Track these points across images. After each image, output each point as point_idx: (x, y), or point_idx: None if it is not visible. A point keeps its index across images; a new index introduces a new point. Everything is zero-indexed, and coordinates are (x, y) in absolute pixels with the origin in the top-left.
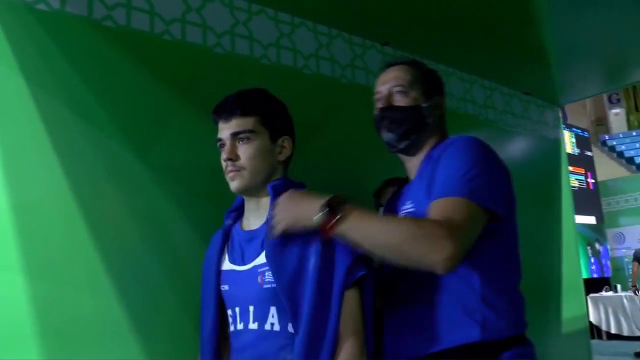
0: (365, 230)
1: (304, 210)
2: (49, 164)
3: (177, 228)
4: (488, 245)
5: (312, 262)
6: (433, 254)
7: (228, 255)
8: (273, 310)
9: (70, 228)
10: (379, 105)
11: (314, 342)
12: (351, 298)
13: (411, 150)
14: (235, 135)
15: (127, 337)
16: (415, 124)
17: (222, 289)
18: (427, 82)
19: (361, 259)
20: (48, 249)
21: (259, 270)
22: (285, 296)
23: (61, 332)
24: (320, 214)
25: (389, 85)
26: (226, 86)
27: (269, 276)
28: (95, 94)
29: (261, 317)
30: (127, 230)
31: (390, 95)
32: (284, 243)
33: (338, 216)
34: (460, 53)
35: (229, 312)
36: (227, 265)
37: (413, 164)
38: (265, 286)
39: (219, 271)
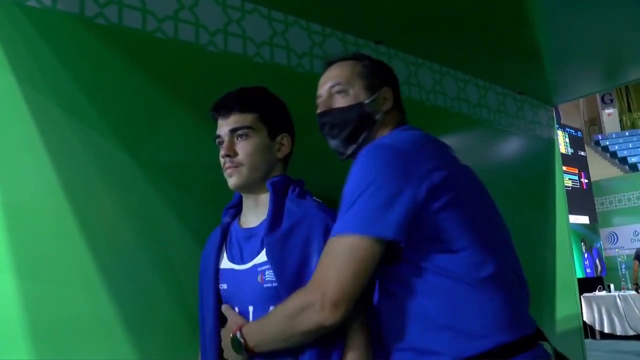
0: (262, 338)
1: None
2: (40, 163)
3: (169, 226)
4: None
5: (315, 259)
6: (313, 320)
7: (227, 253)
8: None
9: (61, 227)
10: (317, 110)
11: (320, 341)
12: None
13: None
14: (233, 132)
15: (119, 336)
16: (358, 124)
17: (221, 287)
18: (369, 74)
19: None
20: (39, 247)
21: (259, 269)
22: (288, 294)
23: (52, 332)
24: (232, 344)
25: (328, 86)
26: (219, 85)
27: (269, 275)
28: (86, 92)
29: (260, 317)
30: (119, 229)
31: (330, 97)
32: (285, 240)
33: (239, 339)
34: (454, 52)
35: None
36: (225, 263)
37: None
38: (265, 285)
39: (217, 269)
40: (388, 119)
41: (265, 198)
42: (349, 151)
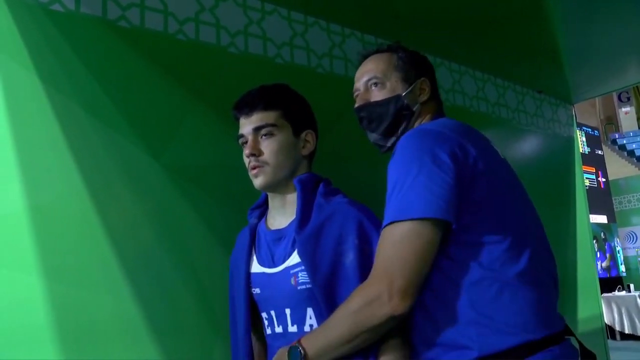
0: (324, 345)
1: None
2: (65, 165)
3: (191, 228)
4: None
5: (350, 258)
6: (381, 314)
7: (256, 256)
8: (310, 312)
9: (86, 229)
10: (355, 105)
11: None
12: None
13: None
14: (257, 130)
15: (143, 337)
16: (397, 117)
17: (253, 292)
18: (405, 66)
19: None
20: (64, 250)
21: (292, 271)
22: (323, 295)
23: (78, 334)
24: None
25: (364, 80)
26: (240, 86)
27: (302, 277)
28: (109, 94)
29: (299, 320)
30: (142, 231)
31: (366, 90)
32: (316, 237)
33: (300, 350)
34: (473, 51)
35: (264, 315)
36: (256, 267)
37: None
38: (299, 287)
39: (248, 274)
40: (425, 109)
41: (292, 197)
42: (389, 143)
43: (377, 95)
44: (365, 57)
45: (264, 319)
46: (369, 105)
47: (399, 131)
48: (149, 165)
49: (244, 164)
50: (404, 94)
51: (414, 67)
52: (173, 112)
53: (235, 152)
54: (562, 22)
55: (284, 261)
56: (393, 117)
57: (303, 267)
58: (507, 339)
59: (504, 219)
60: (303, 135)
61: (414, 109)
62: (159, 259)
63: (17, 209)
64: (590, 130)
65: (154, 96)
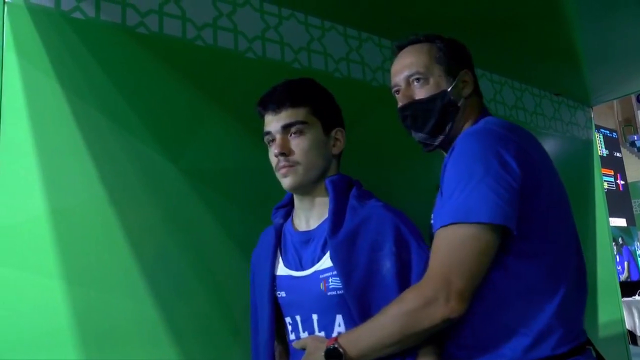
0: (368, 344)
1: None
2: (85, 170)
3: (210, 232)
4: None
5: (387, 266)
6: (438, 317)
7: (282, 258)
8: (339, 318)
9: (106, 233)
10: (399, 104)
11: None
12: None
13: (448, 144)
14: (286, 128)
15: (162, 340)
16: (444, 114)
17: (278, 295)
18: (446, 57)
19: None
20: (86, 254)
21: (321, 276)
22: (356, 303)
23: (99, 337)
24: (325, 356)
25: (405, 74)
26: (258, 91)
27: (333, 282)
28: (128, 100)
29: (327, 326)
30: (161, 235)
31: (408, 87)
32: (351, 242)
33: (337, 349)
34: (489, 54)
35: (288, 319)
36: (282, 269)
37: None
38: (329, 293)
39: (273, 276)
40: (470, 104)
41: (322, 200)
42: (437, 142)
43: (421, 91)
44: (401, 48)
45: (288, 324)
46: (414, 104)
47: (447, 129)
48: (167, 170)
49: (263, 166)
50: (449, 90)
51: (455, 59)
52: (191, 117)
53: (253, 156)
54: (579, 24)
55: (312, 265)
56: (439, 114)
57: (334, 272)
58: (538, 349)
59: (557, 232)
60: (333, 133)
61: (459, 104)
62: (177, 262)
63: (39, 214)
64: (608, 132)
65: (172, 101)
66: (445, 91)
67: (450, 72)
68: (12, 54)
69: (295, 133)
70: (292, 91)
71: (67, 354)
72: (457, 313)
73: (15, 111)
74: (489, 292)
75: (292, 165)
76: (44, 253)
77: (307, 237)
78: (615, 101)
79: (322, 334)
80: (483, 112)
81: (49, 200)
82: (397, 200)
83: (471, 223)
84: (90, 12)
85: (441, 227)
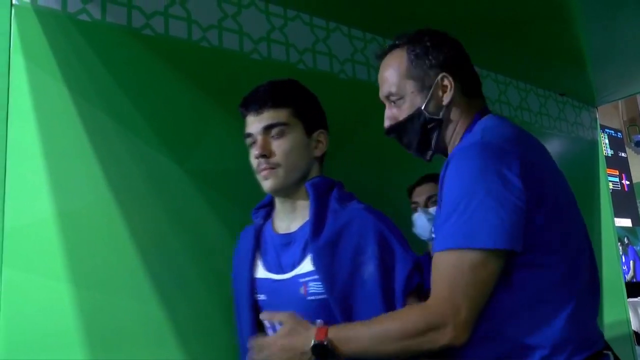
0: (360, 348)
1: (293, 350)
2: (91, 172)
3: (215, 234)
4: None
5: (370, 270)
6: (439, 343)
7: (262, 260)
8: (319, 323)
9: (113, 235)
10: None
11: None
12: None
13: (443, 152)
14: (267, 129)
15: (168, 342)
16: (424, 132)
17: (258, 298)
18: (419, 68)
19: (418, 266)
20: (92, 256)
21: (301, 280)
22: (339, 307)
23: (105, 339)
24: (312, 350)
25: (383, 94)
26: None
27: (314, 287)
28: (134, 101)
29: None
30: (167, 236)
31: (389, 106)
32: (333, 246)
33: (327, 345)
34: (493, 55)
35: (267, 323)
36: (261, 272)
37: None
38: (309, 298)
39: (252, 278)
40: (456, 109)
41: (303, 203)
42: (428, 157)
43: (400, 111)
44: (380, 57)
45: (267, 328)
46: (394, 126)
47: (432, 144)
48: (173, 172)
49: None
50: (423, 107)
51: (430, 64)
52: (196, 118)
53: (250, 150)
54: (584, 24)
55: (293, 268)
56: (420, 134)
57: (314, 277)
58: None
59: (565, 240)
60: (315, 134)
61: (440, 116)
62: (183, 264)
63: (46, 216)
64: (613, 132)
65: (178, 103)
66: (419, 109)
67: (424, 84)
68: (19, 56)
69: (276, 134)
70: (274, 92)
71: (73, 355)
72: (461, 342)
73: (22, 113)
74: (495, 310)
75: (273, 167)
76: (51, 255)
77: (288, 239)
78: (620, 101)
79: None
80: (480, 112)
81: (55, 203)
82: (401, 201)
83: (476, 249)
84: (97, 14)
85: (444, 250)
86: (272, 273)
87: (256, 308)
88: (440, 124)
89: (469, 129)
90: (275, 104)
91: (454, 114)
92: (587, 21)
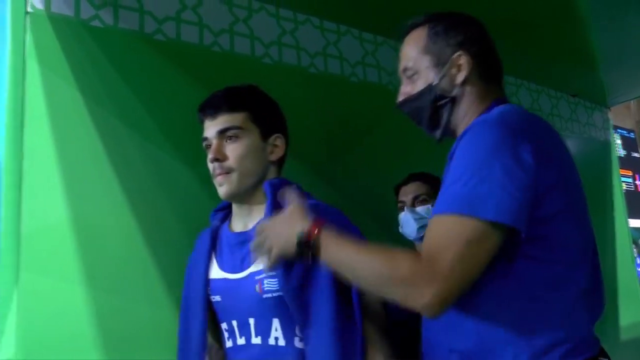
0: (339, 262)
1: (286, 236)
2: (105, 176)
3: None
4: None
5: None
6: (411, 301)
7: (217, 261)
8: (276, 322)
9: (125, 239)
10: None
11: (341, 348)
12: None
13: (453, 134)
14: (222, 133)
15: None
16: (434, 109)
17: (213, 299)
18: (437, 44)
19: None
20: (105, 260)
21: (257, 277)
22: (294, 303)
23: (119, 342)
24: (297, 242)
25: (400, 69)
26: (275, 96)
27: (269, 284)
28: (146, 106)
29: (264, 331)
30: (179, 240)
31: (405, 82)
32: None
33: (312, 243)
34: (505, 57)
35: (224, 325)
36: (217, 272)
37: None
38: (264, 296)
39: (207, 280)
40: (471, 90)
41: (259, 207)
42: (437, 136)
43: (412, 87)
44: (402, 36)
45: (224, 330)
46: (405, 101)
47: (443, 122)
48: (184, 175)
49: None
50: (435, 83)
51: (448, 41)
52: None
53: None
54: (595, 24)
55: (248, 266)
56: (431, 110)
57: (270, 274)
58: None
59: (569, 236)
60: (271, 139)
61: (453, 94)
62: None
63: (61, 220)
64: (625, 132)
65: (189, 107)
66: (431, 85)
67: (440, 61)
68: (34, 62)
69: (230, 138)
70: (230, 97)
71: (87, 357)
72: (432, 315)
73: (37, 118)
74: (487, 298)
75: (227, 172)
76: (65, 258)
77: (243, 238)
78: (632, 101)
79: (259, 338)
80: (498, 100)
81: (70, 206)
82: None
83: (478, 218)
84: (109, 20)
85: (446, 213)
86: (228, 272)
87: (209, 310)
88: (452, 103)
89: (484, 114)
90: (230, 109)
91: (468, 96)
92: (598, 22)
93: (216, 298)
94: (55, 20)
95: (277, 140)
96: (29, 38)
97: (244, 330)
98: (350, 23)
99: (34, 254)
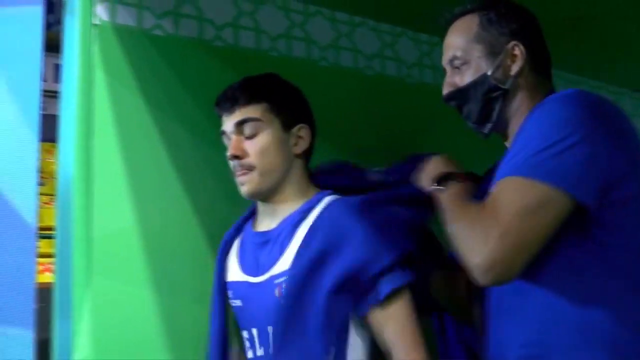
0: (447, 205)
1: (427, 177)
2: (168, 181)
3: None
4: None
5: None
6: (467, 259)
7: (239, 262)
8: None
9: (190, 242)
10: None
11: None
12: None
13: (503, 130)
14: (239, 126)
15: None
16: (487, 101)
17: (234, 304)
18: (490, 33)
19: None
20: (171, 263)
21: (276, 281)
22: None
23: (186, 343)
24: (433, 185)
25: (446, 59)
26: (332, 99)
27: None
28: (205, 112)
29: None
30: None
31: (451, 72)
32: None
33: (435, 188)
34: (563, 53)
35: (244, 333)
36: (238, 275)
37: (510, 143)
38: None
39: (223, 282)
40: (526, 83)
41: (285, 206)
42: (487, 130)
43: (462, 78)
44: (448, 23)
45: (245, 339)
46: (453, 94)
47: (494, 116)
48: None
49: None
50: (489, 73)
51: (502, 30)
52: None
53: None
54: None
55: (268, 269)
56: (482, 102)
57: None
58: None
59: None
60: (295, 130)
61: (506, 86)
62: None
63: (128, 225)
64: None
65: None
66: (485, 75)
67: (493, 50)
68: (100, 73)
69: (249, 133)
70: (248, 87)
71: (156, 356)
72: (487, 279)
73: (105, 127)
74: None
75: (248, 169)
76: (134, 263)
77: (266, 238)
78: None
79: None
80: (550, 93)
81: (136, 212)
82: None
83: (546, 183)
84: (170, 29)
85: (511, 175)
86: (248, 275)
87: (228, 316)
88: (505, 96)
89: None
90: (249, 100)
91: (521, 89)
92: None
93: (237, 303)
94: (120, 31)
95: (302, 131)
96: (96, 49)
97: (263, 339)
98: (406, 25)
99: (105, 258)
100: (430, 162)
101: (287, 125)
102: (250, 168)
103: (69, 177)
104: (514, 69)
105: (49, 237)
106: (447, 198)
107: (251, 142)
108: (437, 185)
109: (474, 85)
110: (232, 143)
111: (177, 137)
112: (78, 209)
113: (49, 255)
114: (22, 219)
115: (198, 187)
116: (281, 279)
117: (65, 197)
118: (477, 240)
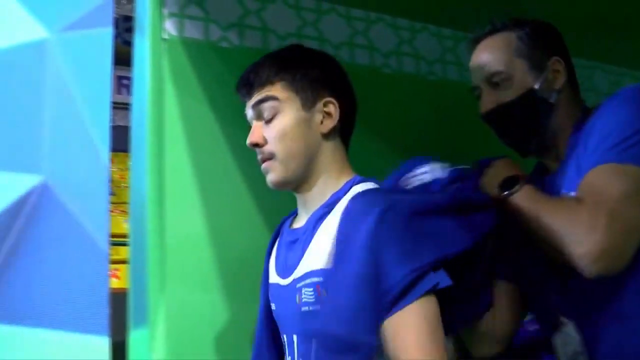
0: (532, 209)
1: (491, 182)
2: (236, 190)
3: None
4: None
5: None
6: (568, 252)
7: (275, 261)
8: (315, 344)
9: (258, 251)
10: (481, 108)
11: None
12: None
13: (546, 147)
14: (256, 108)
15: None
16: (535, 116)
17: (272, 307)
18: (529, 48)
19: None
20: (241, 270)
21: (297, 285)
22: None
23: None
24: (497, 189)
25: (484, 75)
26: (394, 105)
27: (306, 294)
28: None
29: (305, 353)
30: None
31: (490, 89)
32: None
33: (507, 193)
34: (603, 44)
35: (283, 338)
36: (273, 276)
37: (551, 158)
38: (303, 309)
39: (267, 283)
40: (566, 97)
41: (315, 197)
42: (532, 146)
43: (506, 94)
44: (477, 41)
45: (284, 344)
46: (498, 108)
47: (541, 131)
48: None
49: None
50: (536, 87)
51: (541, 47)
52: None
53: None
54: None
55: (293, 271)
56: (530, 117)
57: (309, 281)
58: None
59: None
60: (319, 105)
61: (552, 100)
62: None
63: (200, 233)
64: None
65: None
66: (532, 89)
67: (536, 65)
68: (170, 86)
69: (268, 116)
70: (262, 65)
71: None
72: (593, 270)
73: (176, 138)
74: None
75: (269, 158)
76: (206, 270)
77: (295, 236)
78: None
79: None
80: (586, 107)
81: (207, 220)
82: None
83: None
84: (235, 40)
85: (604, 163)
86: (280, 277)
87: (270, 320)
88: (551, 110)
89: (577, 125)
90: (265, 79)
91: (564, 103)
92: None
93: (273, 306)
94: (188, 45)
95: (329, 106)
96: (166, 63)
97: (290, 349)
98: (468, 29)
99: (177, 265)
100: (492, 167)
101: (309, 102)
102: (270, 156)
103: (143, 187)
104: (558, 83)
105: (115, 244)
106: (525, 198)
107: (270, 126)
108: (503, 190)
109: (520, 100)
110: (252, 130)
111: (244, 145)
112: (152, 218)
113: (115, 262)
114: (93, 229)
115: (265, 193)
116: (301, 284)
117: (139, 206)
118: (582, 230)
